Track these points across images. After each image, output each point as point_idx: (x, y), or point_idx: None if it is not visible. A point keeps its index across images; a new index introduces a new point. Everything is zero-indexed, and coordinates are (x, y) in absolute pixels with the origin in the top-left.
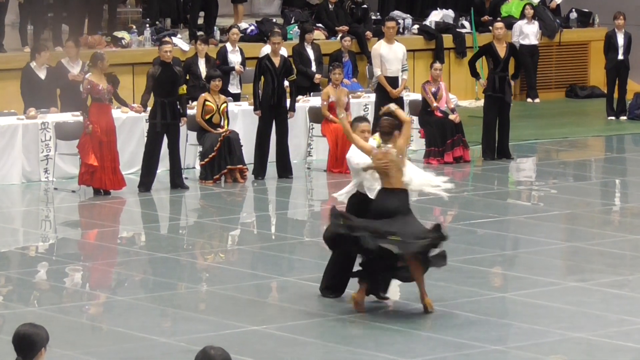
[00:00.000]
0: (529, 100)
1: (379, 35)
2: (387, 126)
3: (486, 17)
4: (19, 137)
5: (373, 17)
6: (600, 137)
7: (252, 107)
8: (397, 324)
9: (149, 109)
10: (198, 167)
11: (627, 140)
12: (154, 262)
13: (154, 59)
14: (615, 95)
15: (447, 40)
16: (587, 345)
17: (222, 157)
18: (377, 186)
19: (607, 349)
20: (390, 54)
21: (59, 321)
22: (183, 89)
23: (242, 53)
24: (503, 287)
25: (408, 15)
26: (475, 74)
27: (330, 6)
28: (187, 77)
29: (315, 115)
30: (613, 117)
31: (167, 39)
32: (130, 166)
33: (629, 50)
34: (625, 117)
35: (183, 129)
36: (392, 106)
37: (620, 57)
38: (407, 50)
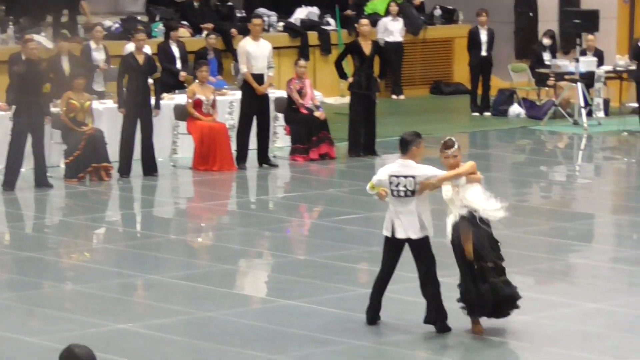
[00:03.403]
0: (394, 96)
1: (244, 32)
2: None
3: (349, 12)
4: None
5: (238, 15)
6: (464, 133)
7: (117, 105)
8: (263, 321)
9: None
10: (63, 166)
11: (491, 136)
12: (19, 261)
13: (10, 56)
14: (479, 91)
15: (312, 37)
16: (440, 346)
17: (86, 155)
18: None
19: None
20: (256, 51)
21: None
22: (47, 87)
23: (106, 51)
24: (369, 283)
25: (273, 12)
26: (342, 75)
27: (195, 4)
28: (51, 76)
29: (181, 113)
30: (477, 113)
31: (30, 36)
32: None
33: (492, 46)
34: (489, 113)
35: (47, 127)
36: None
37: (484, 53)
38: (273, 48)
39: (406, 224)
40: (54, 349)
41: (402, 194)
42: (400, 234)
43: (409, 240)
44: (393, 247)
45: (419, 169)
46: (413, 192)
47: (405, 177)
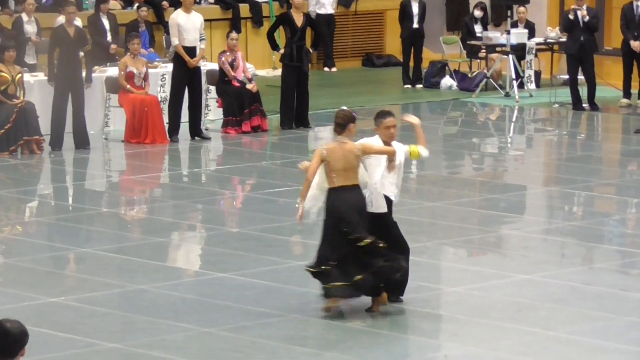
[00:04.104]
0: (326, 69)
1: (176, 5)
2: (341, 117)
3: None
4: None
5: None
6: (396, 105)
7: (47, 78)
8: (195, 293)
9: None
10: None
11: (423, 108)
12: None
13: None
14: (411, 63)
15: (244, 9)
16: (371, 317)
17: (18, 128)
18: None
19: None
20: (188, 24)
21: None
22: None
23: (37, 23)
24: (302, 256)
25: None
26: (274, 46)
27: None
28: None
29: (113, 86)
30: (409, 86)
31: None
32: None
33: (424, 18)
34: (421, 85)
35: None
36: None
37: (416, 25)
38: (204, 20)
39: None
40: None
41: None
42: None
43: None
44: None
45: None
46: None
47: None
